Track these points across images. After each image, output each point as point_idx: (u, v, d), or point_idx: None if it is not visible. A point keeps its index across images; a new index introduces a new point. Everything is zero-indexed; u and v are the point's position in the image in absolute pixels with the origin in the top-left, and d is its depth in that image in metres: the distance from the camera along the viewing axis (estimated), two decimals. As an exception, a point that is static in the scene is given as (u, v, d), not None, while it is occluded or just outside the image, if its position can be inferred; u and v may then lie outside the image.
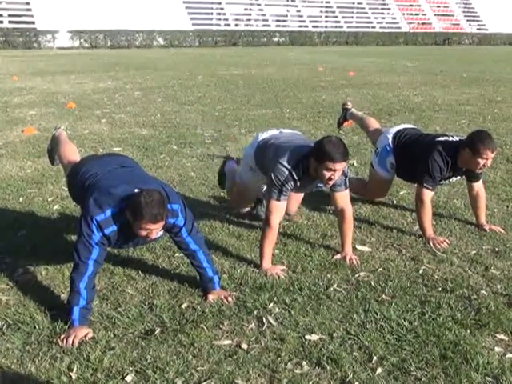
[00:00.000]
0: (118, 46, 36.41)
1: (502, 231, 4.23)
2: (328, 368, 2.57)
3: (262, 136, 4.03)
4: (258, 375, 2.52)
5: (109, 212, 2.88)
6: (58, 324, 2.87)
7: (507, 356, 2.66)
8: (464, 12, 53.59)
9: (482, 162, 3.89)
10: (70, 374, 2.52)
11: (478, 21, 53.09)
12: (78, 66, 19.54)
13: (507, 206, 4.82)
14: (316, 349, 2.71)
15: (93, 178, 3.18)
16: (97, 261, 2.90)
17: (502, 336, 2.83)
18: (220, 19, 43.09)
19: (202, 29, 40.54)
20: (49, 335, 2.81)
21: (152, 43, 38.03)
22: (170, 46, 37.57)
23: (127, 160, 3.64)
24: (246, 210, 4.47)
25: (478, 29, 52.31)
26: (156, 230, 2.85)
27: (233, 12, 43.63)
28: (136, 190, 2.86)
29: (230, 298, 3.15)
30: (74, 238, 3.88)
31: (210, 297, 3.16)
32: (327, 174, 3.39)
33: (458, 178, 4.28)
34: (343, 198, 3.70)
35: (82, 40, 36.26)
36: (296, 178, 3.51)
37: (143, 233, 2.83)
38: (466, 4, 54.34)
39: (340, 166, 3.39)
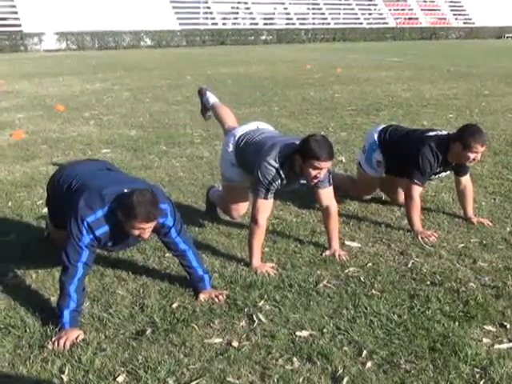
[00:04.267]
0: (105, 47, 36.32)
1: (490, 224, 4.26)
2: (318, 363, 2.59)
3: (240, 133, 3.99)
4: (249, 372, 2.54)
5: (100, 213, 2.87)
6: (49, 327, 2.87)
7: (495, 347, 2.70)
8: (450, 6, 53.84)
9: (472, 155, 3.92)
10: (62, 376, 2.52)
11: (464, 15, 53.35)
12: (66, 68, 19.47)
13: (494, 199, 4.86)
14: (306, 344, 2.73)
15: (79, 178, 3.17)
16: (86, 263, 2.90)
17: (489, 327, 2.87)
18: (207, 18, 43.06)
19: (189, 28, 40.50)
20: (40, 338, 2.81)
21: (139, 44, 37.96)
22: (157, 46, 37.51)
23: (110, 164, 3.64)
24: (243, 213, 4.23)
25: (464, 23, 52.57)
26: (149, 230, 2.85)
27: (220, 11, 43.61)
28: (126, 190, 2.86)
29: (220, 297, 3.16)
30: (63, 240, 3.87)
31: (201, 296, 3.17)
32: (313, 173, 3.40)
33: (448, 172, 4.32)
34: (327, 194, 3.71)
35: (68, 42, 36.12)
36: (283, 175, 3.51)
37: (136, 232, 2.83)
38: (452, -2, 54.60)
39: (326, 165, 3.40)
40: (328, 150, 3.38)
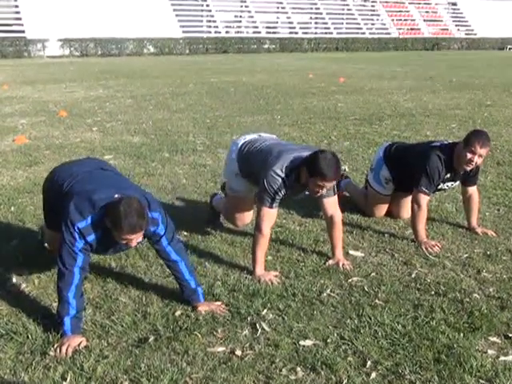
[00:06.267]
0: (108, 54, 36.42)
1: (494, 234, 4.25)
2: (322, 373, 2.57)
3: (242, 141, 3.99)
4: (253, 381, 2.52)
5: (89, 219, 2.84)
6: (51, 333, 2.85)
7: (500, 359, 2.68)
8: (452, 17, 54.01)
9: (469, 155, 3.90)
10: (64, 383, 2.50)
11: (466, 26, 53.49)
12: (69, 75, 19.51)
13: (498, 210, 4.84)
14: (310, 354, 2.71)
15: (72, 178, 3.13)
16: (82, 268, 2.88)
17: (494, 339, 2.85)
18: (210, 26, 43.19)
19: (192, 36, 40.62)
20: (42, 345, 2.79)
21: (142, 51, 38.06)
22: (160, 54, 37.61)
23: (104, 163, 3.60)
24: (247, 222, 4.24)
25: (466, 34, 52.69)
26: (136, 239, 2.83)
27: (223, 19, 43.75)
28: (116, 196, 2.83)
29: (222, 308, 3.13)
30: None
31: (201, 308, 3.10)
32: (316, 189, 3.41)
33: (457, 183, 4.30)
34: (332, 204, 3.71)
35: (72, 48, 36.23)
36: (288, 185, 3.50)
37: (123, 242, 2.83)
38: (455, 9, 54.78)
39: (330, 184, 3.41)
40: (335, 170, 3.36)
